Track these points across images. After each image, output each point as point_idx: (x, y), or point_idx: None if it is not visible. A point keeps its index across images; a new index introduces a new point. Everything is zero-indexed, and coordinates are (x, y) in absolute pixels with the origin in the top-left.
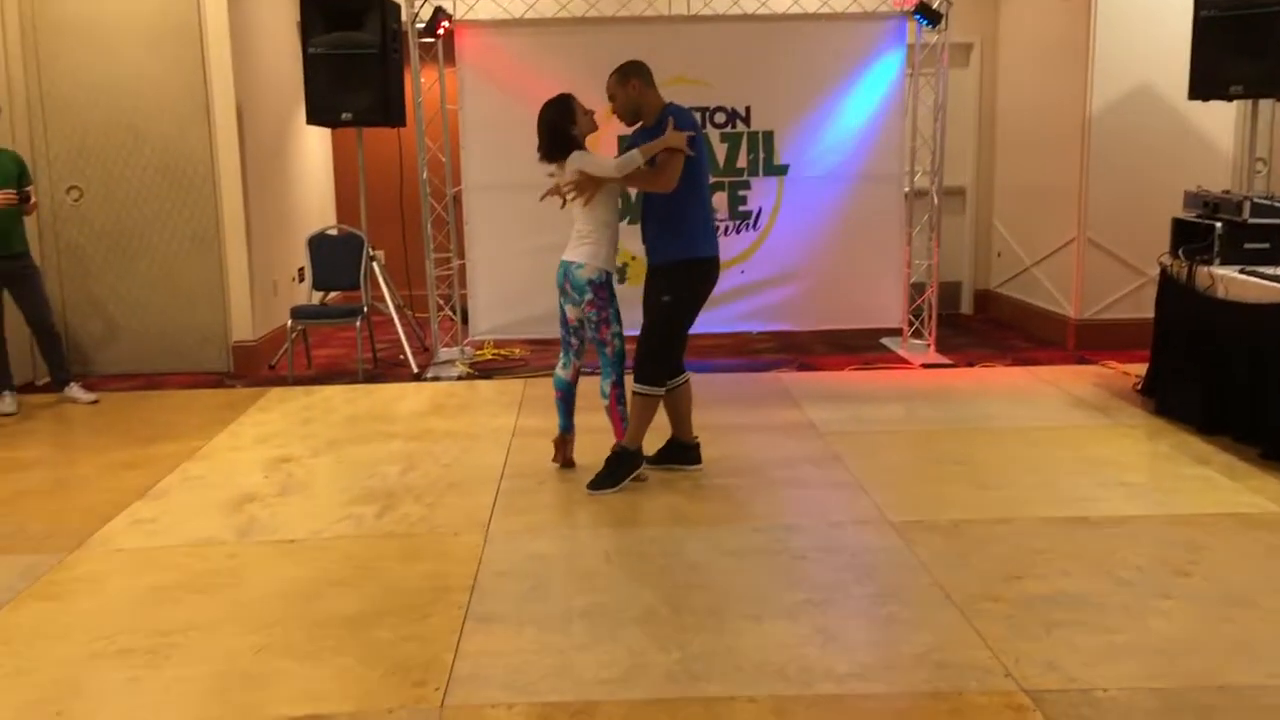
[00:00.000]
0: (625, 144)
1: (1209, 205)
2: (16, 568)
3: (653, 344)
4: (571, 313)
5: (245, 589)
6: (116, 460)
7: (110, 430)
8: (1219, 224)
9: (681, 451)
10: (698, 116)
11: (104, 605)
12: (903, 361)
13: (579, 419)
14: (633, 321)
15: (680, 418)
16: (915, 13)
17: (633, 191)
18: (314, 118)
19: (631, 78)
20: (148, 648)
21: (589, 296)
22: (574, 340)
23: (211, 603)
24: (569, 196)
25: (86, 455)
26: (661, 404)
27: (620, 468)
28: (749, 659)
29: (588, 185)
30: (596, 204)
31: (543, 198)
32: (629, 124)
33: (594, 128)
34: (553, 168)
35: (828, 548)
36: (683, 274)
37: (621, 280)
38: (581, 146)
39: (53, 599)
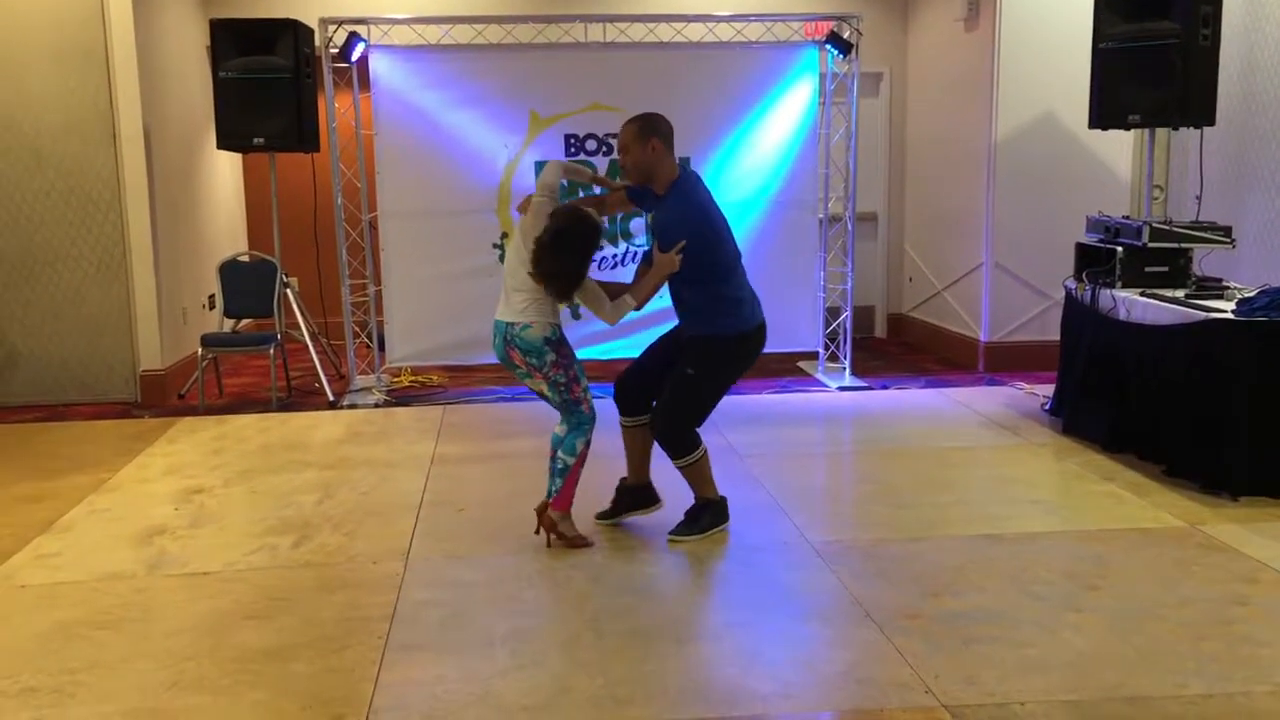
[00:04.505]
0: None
1: (1110, 230)
2: None
3: (676, 415)
4: (529, 383)
5: (155, 624)
6: (18, 494)
7: (11, 463)
8: (1120, 249)
9: (641, 495)
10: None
11: (6, 643)
12: (819, 385)
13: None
14: None
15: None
16: (827, 42)
17: None
18: (224, 142)
19: (652, 137)
20: (53, 687)
21: (550, 358)
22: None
23: (120, 639)
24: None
25: None
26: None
27: (704, 517)
28: (673, 682)
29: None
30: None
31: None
32: (635, 183)
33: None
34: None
35: (749, 570)
36: (714, 348)
37: (576, 318)
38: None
39: None
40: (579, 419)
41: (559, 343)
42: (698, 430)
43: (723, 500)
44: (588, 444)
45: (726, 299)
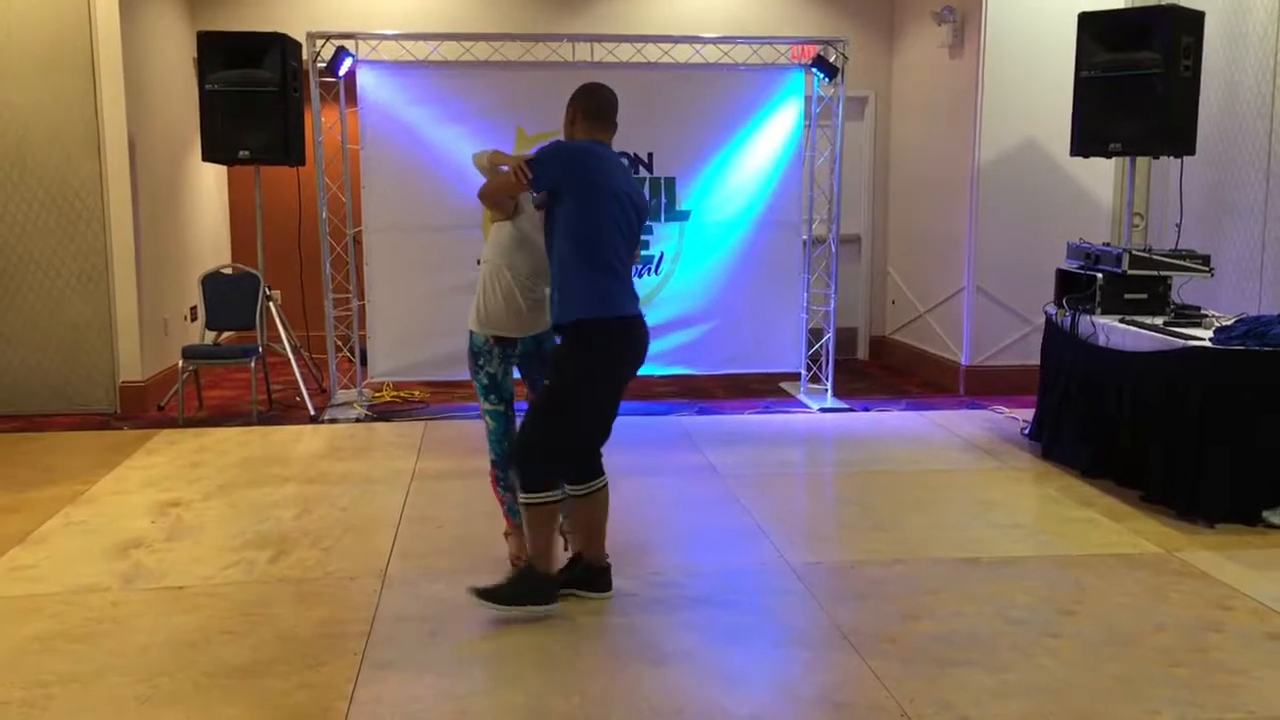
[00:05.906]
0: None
1: (1090, 257)
2: None
3: (527, 432)
4: None
5: (130, 638)
6: None
7: None
8: (1100, 275)
9: (589, 575)
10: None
11: None
12: (801, 406)
13: None
14: None
15: (590, 531)
16: (813, 65)
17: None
18: (210, 155)
19: (571, 105)
20: (23, 700)
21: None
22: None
23: (94, 652)
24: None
25: None
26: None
27: (520, 587)
28: (649, 702)
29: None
30: (493, 235)
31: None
32: None
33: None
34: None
35: (727, 591)
36: (569, 340)
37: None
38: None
39: None
40: None
41: (469, 353)
42: (557, 467)
43: (550, 580)
44: (491, 462)
45: (592, 281)
